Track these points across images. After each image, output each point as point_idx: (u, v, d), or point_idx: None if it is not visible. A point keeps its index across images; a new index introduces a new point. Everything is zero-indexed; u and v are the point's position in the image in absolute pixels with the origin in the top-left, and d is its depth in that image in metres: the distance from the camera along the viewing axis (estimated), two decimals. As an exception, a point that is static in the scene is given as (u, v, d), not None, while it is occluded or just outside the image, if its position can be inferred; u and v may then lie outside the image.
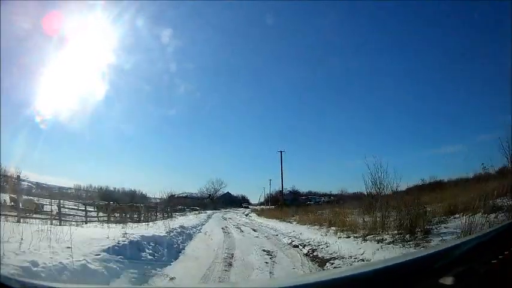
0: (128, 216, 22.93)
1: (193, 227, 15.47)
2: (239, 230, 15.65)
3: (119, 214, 22.19)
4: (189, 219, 22.40)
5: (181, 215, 32.11)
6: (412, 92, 46.86)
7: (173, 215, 30.52)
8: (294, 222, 18.70)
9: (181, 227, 12.90)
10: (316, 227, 14.31)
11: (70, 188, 37.98)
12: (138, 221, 20.42)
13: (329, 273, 4.10)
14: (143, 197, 41.13)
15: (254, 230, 15.67)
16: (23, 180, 19.51)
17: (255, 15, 39.97)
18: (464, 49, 34.37)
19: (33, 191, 25.41)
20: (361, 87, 51.24)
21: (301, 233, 12.32)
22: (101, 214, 19.54)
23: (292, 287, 1.91)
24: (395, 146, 51.05)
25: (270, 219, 23.70)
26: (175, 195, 47.00)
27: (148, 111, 50.82)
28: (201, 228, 16.14)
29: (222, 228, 16.58)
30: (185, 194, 49.84)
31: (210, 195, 53.44)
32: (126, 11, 20.16)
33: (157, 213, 29.69)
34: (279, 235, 13.11)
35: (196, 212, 38.32)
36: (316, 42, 45.59)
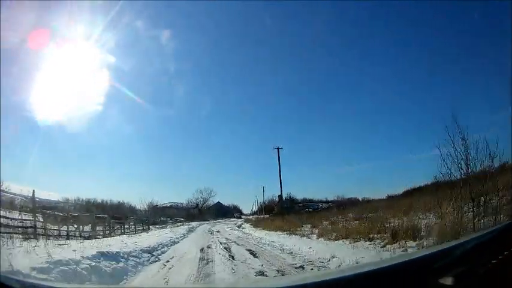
0: (77, 228, 17.04)
1: (150, 250, 8.78)
2: (228, 255, 8.80)
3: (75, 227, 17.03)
4: (158, 235, 15.67)
5: (161, 227, 25.43)
6: (406, 93, 41.95)
7: (150, 228, 24.25)
8: (314, 236, 12.06)
9: (103, 254, 6.01)
10: (369, 243, 7.69)
11: (59, 202, 33.08)
12: (88, 237, 14.13)
13: (329, 273, 3.97)
14: (131, 209, 35.40)
15: (253, 254, 8.85)
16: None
17: (251, 17, 36.49)
18: (461, 48, 31.48)
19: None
20: (354, 90, 46.45)
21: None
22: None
23: (292, 287, 2.05)
24: (391, 150, 48.61)
25: (272, 232, 16.87)
26: (158, 206, 39.63)
27: (138, 117, 45.72)
28: (163, 253, 9.43)
29: (202, 250, 9.81)
30: (170, 204, 42.35)
31: (197, 204, 45.95)
32: (124, 12, 19.53)
33: (126, 226, 23.14)
34: (307, 267, 6.29)
35: (180, 223, 31.34)
36: (314, 43, 40.47)
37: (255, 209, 66.84)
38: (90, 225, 18.75)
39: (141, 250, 8.36)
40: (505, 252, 1.58)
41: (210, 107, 51.28)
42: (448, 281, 1.52)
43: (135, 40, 30.08)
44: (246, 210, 68.55)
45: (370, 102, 46.16)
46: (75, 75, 20.41)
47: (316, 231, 13.37)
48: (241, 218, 60.49)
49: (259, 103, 54.65)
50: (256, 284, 3.49)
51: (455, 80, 32.85)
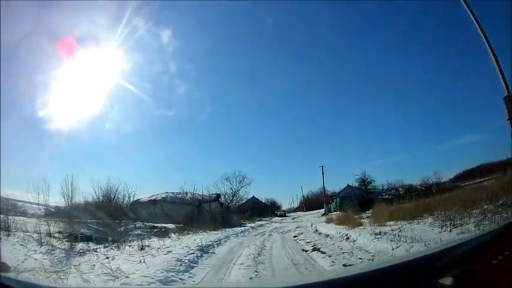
0: None
1: None
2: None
3: None
4: None
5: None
6: (419, 85, 40.75)
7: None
8: None
9: None
10: None
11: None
12: None
13: (329, 273, 3.86)
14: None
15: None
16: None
17: (255, 15, 34.56)
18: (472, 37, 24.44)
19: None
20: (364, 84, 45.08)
21: None
22: None
23: (293, 287, 1.94)
24: (405, 142, 48.36)
25: None
26: (140, 200, 19.50)
27: (152, 112, 41.10)
28: None
29: None
30: (164, 195, 21.85)
31: (219, 195, 25.05)
32: (125, 12, 19.06)
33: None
34: None
35: (160, 236, 10.39)
36: (316, 42, 40.53)
37: (295, 204, 58.54)
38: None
39: None
40: (505, 252, 1.56)
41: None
42: (448, 281, 1.47)
43: (142, 39, 25.48)
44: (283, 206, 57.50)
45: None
46: (81, 75, 19.09)
47: None
48: (285, 216, 45.34)
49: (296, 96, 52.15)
50: (257, 284, 3.45)
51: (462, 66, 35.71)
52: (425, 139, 46.42)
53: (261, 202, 50.14)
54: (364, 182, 33.25)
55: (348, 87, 49.04)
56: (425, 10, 35.00)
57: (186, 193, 22.09)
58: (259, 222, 29.03)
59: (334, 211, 42.66)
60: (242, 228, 20.52)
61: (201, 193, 22.55)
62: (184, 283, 5.88)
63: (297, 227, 19.03)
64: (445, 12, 30.10)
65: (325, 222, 18.94)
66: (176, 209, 20.50)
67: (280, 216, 46.65)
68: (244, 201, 44.04)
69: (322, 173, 41.56)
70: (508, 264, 1.51)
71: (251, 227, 22.51)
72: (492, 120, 33.58)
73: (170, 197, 21.73)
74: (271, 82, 48.02)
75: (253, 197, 47.42)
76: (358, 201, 31.15)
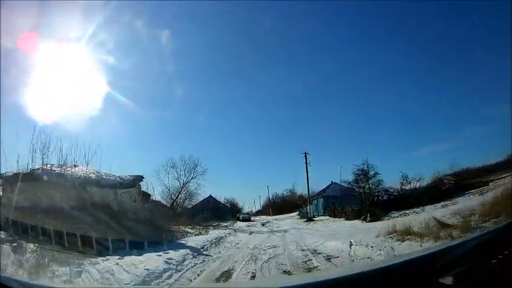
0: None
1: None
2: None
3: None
4: None
5: None
6: (405, 89, 39.39)
7: None
8: None
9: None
10: None
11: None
12: None
13: (329, 273, 3.75)
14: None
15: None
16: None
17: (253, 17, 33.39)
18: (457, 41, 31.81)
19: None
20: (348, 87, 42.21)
21: None
22: None
23: (292, 287, 1.86)
24: (388, 147, 44.71)
25: None
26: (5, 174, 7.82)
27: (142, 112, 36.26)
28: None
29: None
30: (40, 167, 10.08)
31: (137, 177, 13.75)
32: (123, 12, 20.19)
33: None
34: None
35: None
36: (316, 42, 38.95)
37: (257, 207, 55.03)
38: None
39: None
40: (505, 252, 1.54)
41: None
42: (449, 280, 1.45)
43: (133, 40, 25.49)
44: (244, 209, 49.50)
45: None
46: (71, 76, 18.89)
47: None
48: (251, 220, 36.61)
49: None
50: (257, 284, 3.42)
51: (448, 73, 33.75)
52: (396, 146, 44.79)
53: (220, 203, 40.84)
54: (365, 175, 23.66)
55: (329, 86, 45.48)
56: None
57: (75, 165, 10.77)
58: (216, 232, 17.62)
59: (314, 215, 33.20)
60: (165, 259, 7.62)
61: (105, 172, 11.27)
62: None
63: (304, 249, 8.62)
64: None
65: (382, 237, 8.59)
66: (51, 193, 8.90)
67: (245, 220, 36.19)
68: (199, 200, 34.60)
69: (306, 162, 31.70)
70: (508, 263, 1.50)
71: (193, 252, 9.60)
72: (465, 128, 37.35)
73: (50, 171, 10.11)
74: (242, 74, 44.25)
75: (211, 196, 38.30)
76: (368, 202, 21.67)
